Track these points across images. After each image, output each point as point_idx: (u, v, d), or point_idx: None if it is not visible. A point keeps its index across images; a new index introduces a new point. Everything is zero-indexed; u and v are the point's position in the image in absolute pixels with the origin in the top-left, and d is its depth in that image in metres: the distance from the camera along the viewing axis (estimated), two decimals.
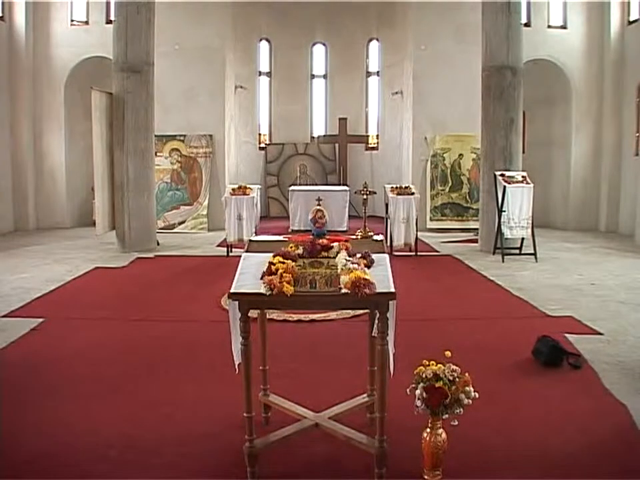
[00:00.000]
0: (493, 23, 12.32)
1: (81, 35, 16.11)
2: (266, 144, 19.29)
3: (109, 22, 15.27)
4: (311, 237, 3.95)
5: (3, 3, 15.43)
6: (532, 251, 11.37)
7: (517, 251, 11.74)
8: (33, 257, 11.57)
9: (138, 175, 12.18)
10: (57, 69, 16.07)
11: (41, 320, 6.99)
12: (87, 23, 16.24)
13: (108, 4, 15.67)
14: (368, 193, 11.18)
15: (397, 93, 17.71)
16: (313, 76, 19.90)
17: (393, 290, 3.36)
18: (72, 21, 16.23)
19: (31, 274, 9.94)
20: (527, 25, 15.33)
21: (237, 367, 3.67)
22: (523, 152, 12.99)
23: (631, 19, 15.40)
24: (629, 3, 15.49)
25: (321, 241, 3.78)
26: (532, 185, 11.56)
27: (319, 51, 19.85)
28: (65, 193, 16.29)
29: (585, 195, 16.13)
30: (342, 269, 3.46)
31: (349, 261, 3.52)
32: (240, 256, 3.95)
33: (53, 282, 9.21)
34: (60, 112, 16.13)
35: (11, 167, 15.64)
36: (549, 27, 16.24)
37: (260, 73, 19.32)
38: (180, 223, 15.44)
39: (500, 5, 12.19)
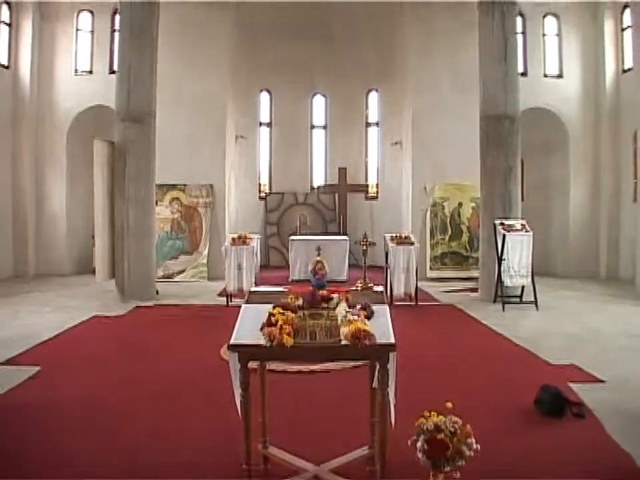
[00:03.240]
0: (490, 73, 12.52)
1: (84, 83, 16.39)
2: (266, 193, 19.39)
3: (112, 72, 15.56)
4: (311, 288, 3.96)
5: (9, 51, 15.74)
6: (533, 299, 11.35)
7: (518, 299, 11.70)
8: (33, 304, 11.56)
9: (138, 223, 12.21)
10: (60, 117, 16.31)
11: (38, 368, 6.97)
12: (90, 72, 16.56)
13: (112, 54, 16.06)
14: (368, 243, 11.22)
15: (396, 142, 17.86)
16: (313, 126, 20.10)
17: (393, 341, 3.36)
18: (76, 70, 16.55)
19: (30, 321, 9.94)
20: (524, 74, 15.64)
21: (240, 416, 3.65)
22: (522, 199, 13.05)
23: (626, 67, 15.76)
24: (622, 52, 15.84)
25: (321, 292, 3.79)
26: (531, 233, 11.59)
27: (318, 102, 20.09)
28: (65, 240, 16.38)
29: (584, 241, 16.21)
30: (342, 321, 3.46)
31: (349, 312, 3.53)
32: (240, 306, 3.96)
33: (51, 329, 9.18)
34: (62, 159, 16.34)
35: (11, 213, 15.78)
36: (545, 75, 16.61)
37: (260, 124, 19.53)
38: (180, 272, 15.43)
39: (497, 55, 12.40)
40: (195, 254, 15.58)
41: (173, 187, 15.73)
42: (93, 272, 12.91)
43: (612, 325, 9.70)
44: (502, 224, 11.67)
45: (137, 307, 11.46)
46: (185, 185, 15.79)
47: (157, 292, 12.73)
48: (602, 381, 6.50)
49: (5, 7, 15.56)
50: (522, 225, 11.77)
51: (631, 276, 14.21)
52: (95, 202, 12.25)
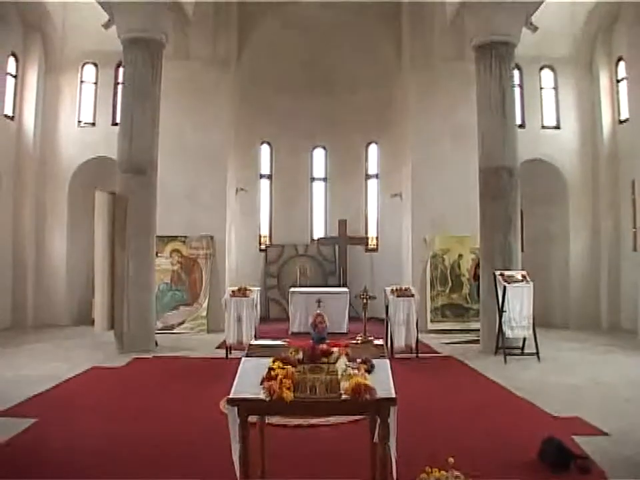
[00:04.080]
0: (488, 126, 12.67)
1: (87, 135, 16.60)
2: (266, 245, 19.42)
3: (114, 124, 15.77)
4: (311, 341, 3.95)
5: (14, 102, 16.00)
6: (534, 351, 11.28)
7: (519, 351, 11.65)
8: (30, 355, 11.52)
9: (138, 274, 12.21)
10: (62, 168, 16.48)
11: (35, 419, 6.91)
12: (93, 124, 16.77)
13: (114, 106, 16.27)
14: (368, 297, 11.21)
15: (396, 195, 17.95)
16: (313, 179, 20.23)
17: (393, 395, 3.33)
18: (79, 121, 16.79)
19: (27, 372, 9.86)
20: (522, 126, 15.80)
21: (238, 475, 3.58)
22: (522, 250, 13.07)
23: (622, 118, 16.01)
24: (618, 103, 16.13)
25: (321, 346, 3.77)
26: (532, 284, 11.59)
27: (319, 155, 20.26)
28: (65, 290, 16.36)
29: (584, 291, 16.23)
30: (342, 375, 3.44)
31: (349, 366, 3.50)
32: (239, 358, 3.93)
33: (49, 380, 9.11)
34: (63, 210, 16.45)
35: (11, 262, 15.80)
36: (543, 127, 16.85)
37: (261, 176, 19.66)
38: (179, 324, 15.36)
39: (495, 108, 12.57)
40: (195, 305, 15.54)
41: (174, 238, 15.76)
42: (92, 323, 12.87)
43: (615, 376, 9.64)
44: (502, 275, 11.67)
45: (136, 358, 11.38)
46: (185, 237, 15.82)
47: (156, 343, 12.66)
48: (606, 434, 6.42)
49: (11, 59, 15.86)
50: (522, 276, 11.77)
51: (632, 326, 14.19)
52: (95, 252, 12.27)
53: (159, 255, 14.49)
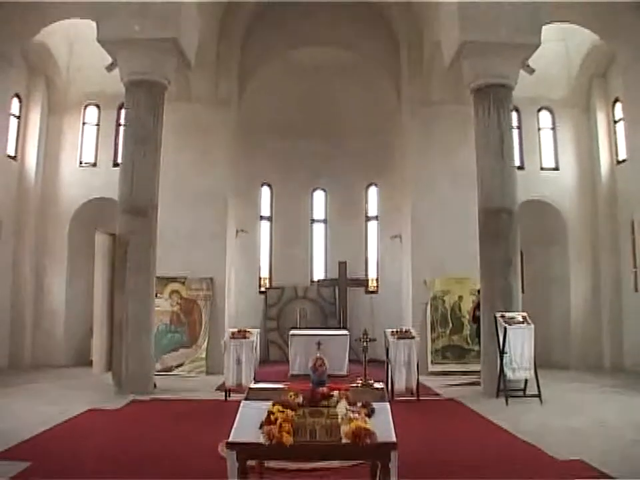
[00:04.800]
0: (487, 168, 12.74)
1: (88, 176, 16.78)
2: (266, 287, 19.40)
3: (115, 164, 15.99)
4: (311, 385, 3.91)
5: (16, 142, 16.18)
6: (536, 393, 11.17)
7: (521, 393, 11.54)
8: (27, 396, 11.40)
9: (137, 315, 12.15)
10: (63, 208, 16.61)
11: (29, 463, 6.80)
12: (94, 164, 16.94)
13: (116, 147, 16.47)
14: (368, 340, 11.16)
15: (395, 236, 17.99)
16: (313, 220, 20.31)
17: (394, 440, 3.29)
18: (80, 162, 16.97)
19: (22, 413, 9.76)
20: (521, 167, 16.01)
21: None
22: (522, 291, 13.05)
23: (620, 158, 16.22)
24: (616, 143, 16.36)
25: (321, 389, 3.74)
26: (533, 326, 11.55)
27: (319, 197, 20.36)
28: (64, 330, 16.31)
29: (586, 331, 16.22)
30: (342, 419, 3.40)
31: (349, 410, 3.47)
32: (238, 401, 3.90)
33: (44, 423, 8.98)
34: (63, 250, 16.51)
35: (10, 301, 15.76)
36: (542, 168, 17.08)
37: (261, 217, 19.74)
38: (178, 366, 15.24)
39: (493, 150, 12.66)
40: (194, 347, 15.43)
41: (173, 279, 15.72)
42: (91, 364, 12.79)
43: (619, 418, 9.53)
44: (503, 317, 11.64)
45: (134, 400, 11.26)
46: (185, 278, 15.79)
47: (155, 385, 12.54)
48: (611, 477, 6.33)
49: (15, 100, 16.06)
50: (523, 317, 11.73)
51: (636, 366, 14.14)
52: (95, 293, 12.26)
53: (158, 296, 14.43)
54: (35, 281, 16.27)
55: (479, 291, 13.29)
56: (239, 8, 16.72)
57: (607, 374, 14.97)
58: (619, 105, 16.25)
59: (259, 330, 13.06)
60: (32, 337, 16.03)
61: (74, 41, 16.55)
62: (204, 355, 15.34)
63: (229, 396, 11.59)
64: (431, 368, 15.22)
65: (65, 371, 15.04)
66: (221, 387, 12.38)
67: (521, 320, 11.66)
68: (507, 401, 11.09)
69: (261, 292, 19.33)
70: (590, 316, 16.31)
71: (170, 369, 15.08)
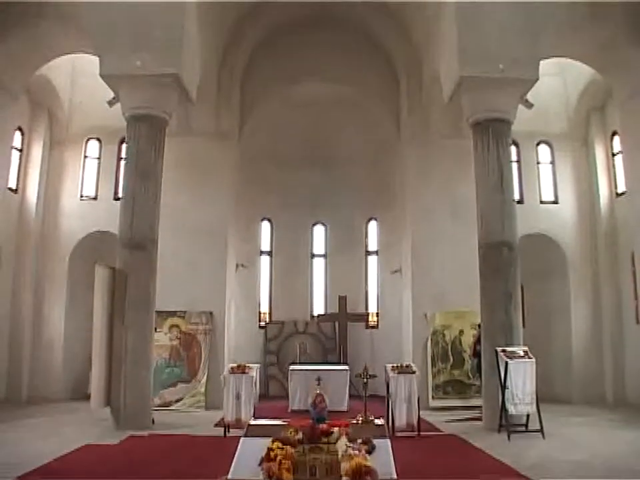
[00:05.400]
0: (487, 202, 12.77)
1: (88, 209, 16.88)
2: (266, 322, 19.32)
3: (116, 198, 16.06)
4: (311, 421, 3.87)
5: (18, 175, 16.29)
6: (538, 427, 11.06)
7: (523, 428, 11.41)
8: (22, 430, 11.28)
9: (136, 350, 12.08)
10: (63, 241, 16.68)
11: None
12: (95, 198, 17.04)
13: (117, 181, 16.60)
14: (368, 376, 11.09)
15: (396, 271, 17.97)
16: (313, 255, 20.31)
17: (395, 477, 3.24)
18: (81, 195, 17.07)
19: (17, 448, 9.64)
20: (520, 201, 16.08)
21: None
22: (523, 325, 13.00)
23: (619, 191, 16.32)
24: (615, 176, 16.49)
25: (321, 426, 3.69)
26: (534, 360, 11.48)
27: (319, 231, 20.38)
28: (62, 364, 16.23)
29: (588, 365, 16.14)
30: (343, 456, 3.35)
31: (349, 446, 3.42)
32: (238, 437, 3.85)
33: (39, 458, 8.84)
34: (62, 283, 16.53)
35: (8, 334, 15.71)
36: (541, 202, 17.15)
37: (261, 252, 19.73)
38: (177, 401, 15.11)
39: (493, 184, 12.70)
40: (193, 382, 15.32)
41: (173, 313, 15.67)
42: (88, 398, 12.66)
43: (623, 452, 9.42)
44: (504, 351, 11.57)
45: (131, 436, 11.12)
46: (184, 312, 15.73)
47: (153, 421, 12.42)
48: None
49: (17, 133, 16.17)
50: (524, 351, 11.67)
51: (639, 399, 13.99)
52: (94, 327, 12.17)
53: (157, 330, 14.37)
54: (33, 314, 16.25)
55: (479, 325, 13.23)
56: (240, 42, 16.94)
57: (610, 407, 14.85)
58: (617, 138, 16.39)
59: (258, 365, 12.97)
60: (29, 369, 15.95)
61: (76, 75, 16.80)
62: (203, 390, 15.23)
63: (228, 431, 11.46)
64: (432, 403, 15.08)
65: (62, 405, 14.92)
66: (220, 423, 12.25)
67: (522, 354, 11.60)
68: (509, 436, 10.97)
69: (260, 326, 19.25)
70: (591, 349, 16.25)
71: (169, 404, 14.95)
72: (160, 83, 12.76)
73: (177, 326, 15.73)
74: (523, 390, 11.33)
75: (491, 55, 12.62)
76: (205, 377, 15.35)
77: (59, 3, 12.82)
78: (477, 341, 13.69)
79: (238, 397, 11.75)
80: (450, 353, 15.66)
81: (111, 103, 13.36)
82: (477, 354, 13.73)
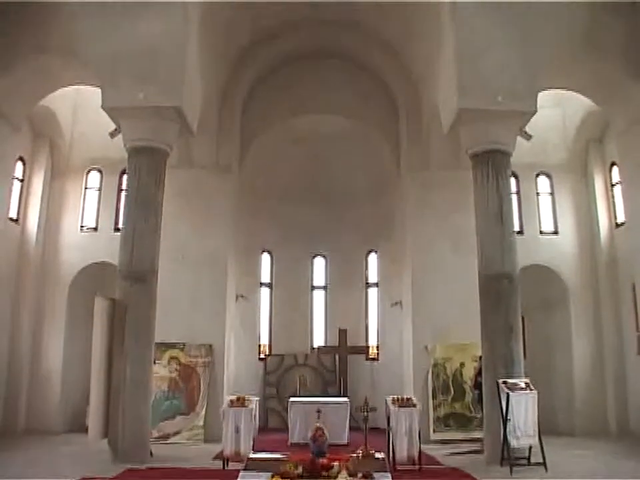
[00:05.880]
0: (487, 233, 12.76)
1: (89, 240, 16.94)
2: (266, 354, 19.23)
3: (116, 229, 16.17)
4: (311, 455, 3.83)
5: (19, 205, 16.37)
6: (541, 460, 10.94)
7: (526, 461, 11.28)
8: (17, 464, 11.14)
9: (135, 382, 11.97)
10: (63, 272, 16.69)
11: None
12: (95, 229, 17.11)
13: (117, 212, 16.70)
14: (368, 410, 11.01)
15: (396, 303, 17.94)
16: (313, 287, 20.29)
17: None
18: (82, 226, 17.16)
19: None
20: (520, 232, 16.18)
21: None
22: (525, 357, 12.93)
23: (618, 221, 16.43)
24: (614, 206, 16.59)
25: (321, 460, 3.65)
26: (535, 392, 11.40)
27: (319, 263, 20.39)
28: (60, 395, 16.13)
29: (590, 396, 16.09)
30: None
31: None
32: (237, 470, 3.81)
33: None
34: (62, 314, 16.51)
35: (6, 364, 15.59)
36: (541, 233, 17.25)
37: (261, 284, 19.71)
38: (175, 433, 14.95)
39: (493, 215, 12.70)
40: (192, 415, 15.18)
41: (172, 345, 15.59)
42: (86, 430, 12.54)
43: None
44: (505, 383, 11.49)
45: (129, 469, 10.97)
46: (184, 344, 15.65)
47: (151, 454, 12.28)
48: None
49: (19, 163, 16.27)
50: (526, 384, 11.59)
51: None
52: (93, 358, 12.11)
53: (156, 362, 14.28)
54: (32, 344, 16.20)
55: (480, 357, 13.15)
56: (241, 75, 17.12)
57: (613, 439, 14.75)
58: (615, 169, 16.51)
59: (258, 398, 12.88)
60: (27, 400, 15.85)
61: (78, 106, 17.01)
62: (202, 423, 15.09)
63: (227, 465, 11.32)
64: (433, 436, 14.96)
65: (59, 437, 14.84)
66: (219, 456, 12.10)
67: (524, 386, 11.53)
68: (511, 469, 10.84)
69: (260, 359, 19.16)
70: (593, 380, 16.19)
71: (167, 437, 14.81)
72: (161, 116, 12.83)
73: (176, 358, 15.64)
74: (525, 422, 11.23)
75: (490, 87, 12.67)
76: (204, 410, 15.23)
77: (63, 35, 12.93)
78: (478, 373, 13.59)
79: (237, 429, 11.64)
80: (451, 385, 15.56)
81: (112, 135, 13.43)
82: (478, 386, 13.62)
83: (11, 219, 15.94)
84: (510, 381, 11.61)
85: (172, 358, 15.66)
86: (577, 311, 16.58)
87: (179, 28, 12.85)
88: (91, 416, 12.16)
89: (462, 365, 15.61)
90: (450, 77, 13.22)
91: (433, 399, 15.41)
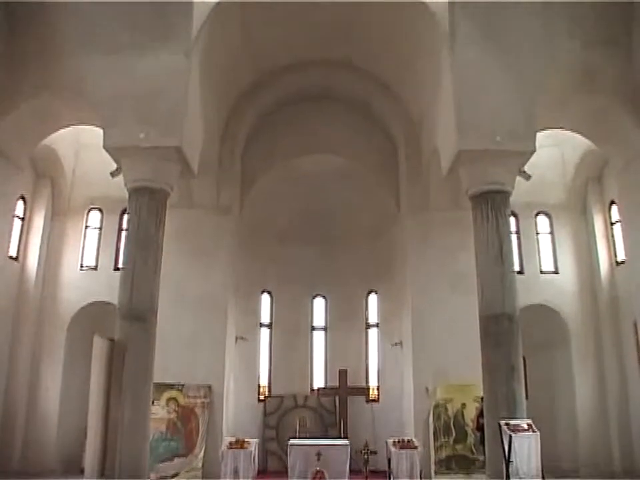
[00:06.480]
0: (487, 273, 12.72)
1: (88, 279, 17.02)
2: (265, 396, 19.05)
3: (116, 269, 16.22)
4: None
5: (19, 243, 16.47)
6: None
7: None
8: None
9: (133, 423, 11.82)
10: (62, 311, 16.74)
11: None
12: (95, 268, 17.19)
13: (117, 251, 16.86)
14: (369, 453, 10.90)
15: (396, 344, 17.85)
16: (313, 327, 20.22)
17: None
18: (82, 265, 17.25)
19: None
20: (520, 272, 16.19)
21: None
22: (527, 398, 12.79)
23: (619, 259, 16.50)
24: (614, 245, 16.69)
25: None
26: (538, 433, 11.25)
27: (319, 304, 20.35)
28: (56, 436, 16.04)
29: (593, 435, 16.00)
30: None
31: None
32: None
33: None
34: (60, 353, 16.52)
35: (2, 403, 15.48)
36: (542, 272, 17.32)
37: (261, 324, 19.64)
38: (173, 476, 14.76)
39: (493, 255, 12.67)
40: (190, 457, 14.99)
41: (171, 386, 15.48)
42: (82, 473, 12.35)
43: None
44: (507, 424, 11.34)
45: None
46: (182, 385, 15.54)
47: None
48: None
49: (20, 202, 16.38)
50: (528, 424, 11.43)
51: None
52: (90, 398, 11.96)
53: (155, 403, 14.13)
54: (29, 382, 16.14)
55: (482, 398, 13.03)
56: (241, 117, 17.30)
57: (618, 478, 14.53)
58: (615, 207, 16.61)
59: (257, 440, 12.75)
60: (22, 440, 15.73)
61: (80, 145, 17.26)
62: (200, 465, 14.92)
63: None
64: (435, 479, 14.74)
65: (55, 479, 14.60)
66: None
67: (526, 427, 11.36)
68: None
69: (260, 400, 18.97)
70: (597, 419, 16.10)
71: (165, 479, 14.62)
72: (162, 156, 12.89)
73: (175, 399, 15.52)
74: (528, 464, 11.04)
75: (488, 128, 12.77)
76: (203, 452, 15.05)
77: (64, 75, 13.08)
78: (480, 414, 13.48)
79: (236, 472, 11.57)
80: (452, 426, 15.37)
81: (113, 174, 13.49)
82: (480, 427, 13.49)
83: (11, 257, 15.98)
84: (512, 422, 11.45)
85: (170, 399, 15.55)
86: (579, 350, 16.55)
87: (180, 69, 12.99)
88: (88, 456, 11.98)
89: (463, 405, 15.46)
90: (449, 118, 13.33)
91: (434, 441, 15.21)
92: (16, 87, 13.10)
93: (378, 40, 15.71)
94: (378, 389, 19.23)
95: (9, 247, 15.51)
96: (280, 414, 18.61)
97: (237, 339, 17.64)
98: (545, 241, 17.70)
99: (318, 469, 11.52)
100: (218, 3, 13.34)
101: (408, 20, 14.37)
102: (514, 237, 15.27)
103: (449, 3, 13.06)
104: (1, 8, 12.92)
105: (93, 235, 17.59)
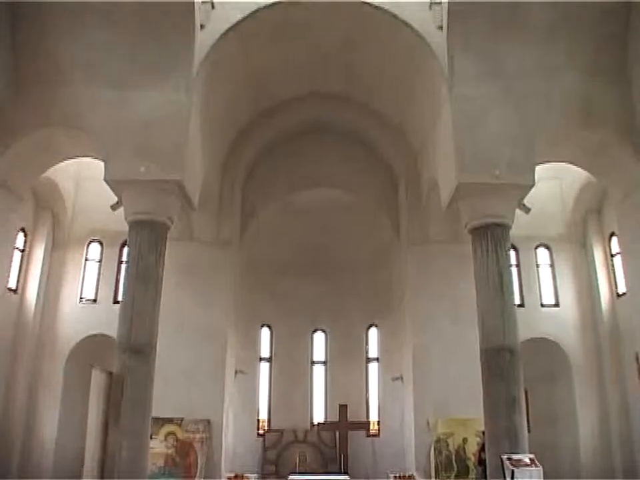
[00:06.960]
0: (487, 306, 12.67)
1: (88, 312, 16.96)
2: (265, 430, 18.88)
3: (116, 302, 16.16)
4: None
5: (18, 276, 16.43)
6: None
7: None
8: None
9: (131, 457, 11.66)
10: (60, 343, 16.64)
11: None
12: (94, 300, 17.16)
13: (117, 284, 16.81)
14: None
15: (397, 378, 17.75)
16: (313, 362, 20.10)
17: None
18: (81, 297, 17.21)
19: None
20: (521, 305, 16.13)
21: None
22: (529, 431, 12.66)
23: (619, 291, 16.44)
24: (615, 277, 16.64)
25: None
26: (541, 468, 11.12)
27: (319, 338, 20.27)
28: (52, 469, 15.78)
29: (597, 469, 15.79)
30: None
31: None
32: None
33: None
34: (58, 385, 16.39)
35: None
36: (542, 305, 17.25)
37: (260, 358, 19.55)
38: None
39: (493, 288, 12.63)
40: None
41: (169, 420, 15.34)
42: None
43: None
44: (509, 459, 11.22)
45: None
46: (181, 419, 15.40)
47: None
48: None
49: (20, 234, 16.42)
50: (530, 459, 11.31)
51: None
52: (88, 432, 11.85)
53: (153, 437, 14.00)
54: (26, 415, 15.98)
55: (483, 433, 12.90)
56: (241, 150, 17.41)
57: None
58: (615, 239, 16.63)
59: (256, 475, 12.62)
60: (18, 474, 15.48)
61: (81, 178, 17.34)
62: None
63: None
64: None
65: None
66: None
67: (529, 462, 11.24)
68: None
69: (259, 434, 18.80)
70: (600, 452, 15.95)
71: None
72: (163, 190, 12.93)
73: (173, 433, 15.37)
74: None
75: (488, 161, 12.82)
76: None
77: (65, 108, 13.14)
78: (482, 449, 13.33)
79: None
80: (454, 461, 15.22)
81: (114, 207, 13.51)
82: (481, 462, 13.33)
83: (10, 289, 15.92)
84: (514, 456, 11.33)
85: (169, 433, 15.42)
86: (581, 382, 16.45)
87: (180, 103, 13.08)
88: None
89: (465, 440, 15.32)
90: (448, 152, 13.39)
91: (435, 476, 15.04)
92: (19, 119, 13.16)
93: (377, 75, 15.89)
94: (378, 424, 19.07)
95: (8, 279, 15.48)
96: (280, 449, 18.40)
97: (236, 372, 17.55)
98: (545, 273, 17.70)
99: None
100: (219, 38, 13.49)
101: (406, 55, 14.52)
102: (514, 270, 15.28)
103: (447, 38, 13.18)
104: (6, 42, 13.03)
105: (92, 268, 17.59)
